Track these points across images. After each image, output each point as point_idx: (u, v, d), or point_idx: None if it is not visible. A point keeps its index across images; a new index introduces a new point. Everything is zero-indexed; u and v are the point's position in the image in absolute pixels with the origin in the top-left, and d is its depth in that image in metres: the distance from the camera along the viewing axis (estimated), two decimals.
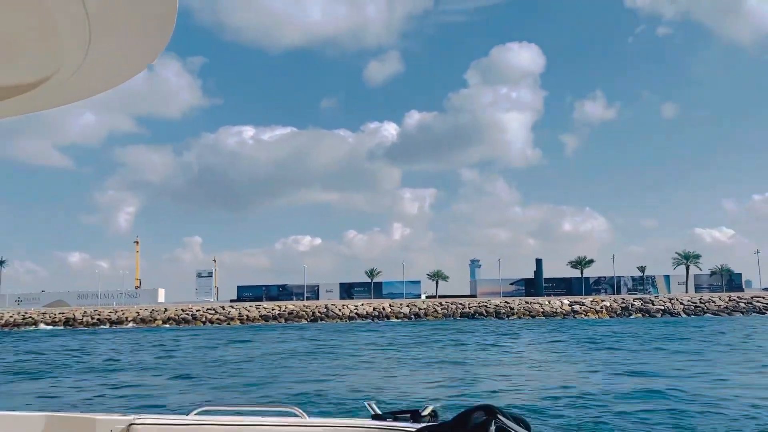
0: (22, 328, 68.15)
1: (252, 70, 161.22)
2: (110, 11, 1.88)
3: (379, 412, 2.91)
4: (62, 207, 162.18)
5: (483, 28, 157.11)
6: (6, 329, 67.63)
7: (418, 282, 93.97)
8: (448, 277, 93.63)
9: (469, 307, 66.79)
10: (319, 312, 68.33)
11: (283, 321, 67.31)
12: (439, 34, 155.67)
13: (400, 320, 65.43)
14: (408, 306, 68.84)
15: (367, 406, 2.99)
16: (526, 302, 67.88)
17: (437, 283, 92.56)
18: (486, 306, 66.75)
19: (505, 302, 68.01)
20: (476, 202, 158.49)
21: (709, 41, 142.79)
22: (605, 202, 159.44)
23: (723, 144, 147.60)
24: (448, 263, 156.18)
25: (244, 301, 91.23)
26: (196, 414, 2.89)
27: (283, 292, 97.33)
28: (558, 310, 65.19)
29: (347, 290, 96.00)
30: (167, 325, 66.89)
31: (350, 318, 67.06)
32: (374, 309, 68.29)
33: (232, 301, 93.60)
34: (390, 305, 69.59)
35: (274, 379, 18.31)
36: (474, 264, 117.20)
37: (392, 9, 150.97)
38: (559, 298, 71.41)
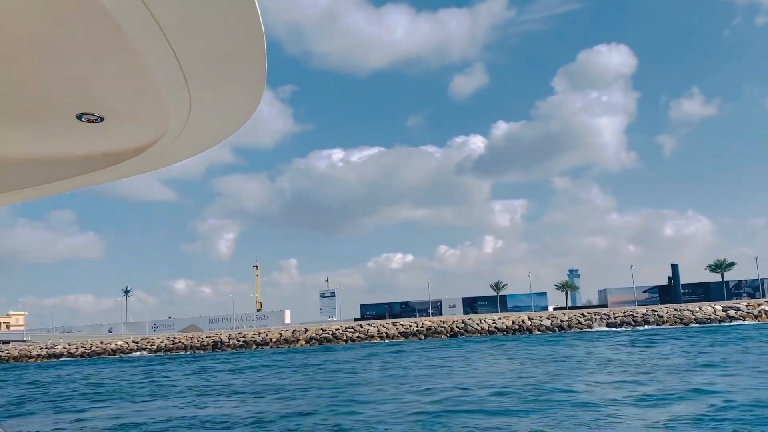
0: (173, 353, 71.43)
1: (339, 94, 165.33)
2: (206, 76, 2.03)
3: None
4: (166, 237, 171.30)
5: (568, 33, 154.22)
6: (160, 354, 71.08)
7: (545, 294, 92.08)
8: (578, 288, 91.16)
9: (614, 317, 64.53)
10: (456, 327, 67.89)
11: (422, 337, 67.27)
12: (523, 42, 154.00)
13: (542, 333, 64.01)
14: (549, 318, 67.30)
15: None
16: (675, 309, 64.89)
17: (567, 294, 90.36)
18: (633, 315, 64.28)
19: (653, 310, 65.28)
20: (570, 211, 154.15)
21: None
22: (709, 203, 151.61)
23: None
24: (544, 274, 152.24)
25: (368, 319, 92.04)
26: None
27: (405, 309, 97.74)
28: (711, 316, 61.90)
29: (470, 304, 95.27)
30: (309, 345, 68.31)
31: (490, 332, 66.23)
32: (513, 323, 67.15)
33: (356, 319, 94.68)
34: (529, 318, 68.26)
35: None
36: (573, 274, 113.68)
37: (475, 22, 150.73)
38: (710, 303, 67.81)
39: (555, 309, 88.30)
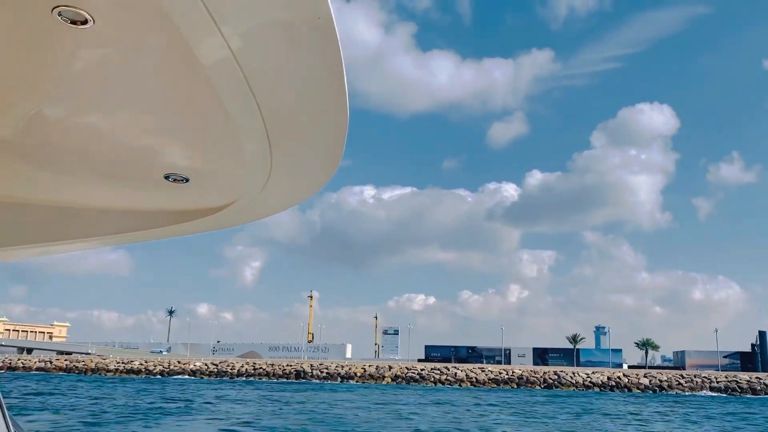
0: (251, 378, 70.39)
1: (378, 133, 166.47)
2: (288, 145, 2.11)
3: None
4: (194, 261, 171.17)
5: (610, 90, 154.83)
6: (240, 378, 70.11)
7: (620, 351, 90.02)
8: (658, 347, 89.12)
9: (717, 381, 62.66)
10: (549, 378, 66.32)
11: (515, 386, 65.75)
12: (565, 96, 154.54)
13: (641, 391, 62.21)
14: (646, 377, 65.53)
15: None
16: None
17: (646, 352, 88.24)
18: (737, 381, 62.39)
19: (757, 377, 63.32)
20: (599, 266, 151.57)
21: None
22: (741, 270, 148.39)
23: None
24: (568, 329, 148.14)
25: (432, 360, 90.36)
26: None
27: (472, 354, 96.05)
28: None
29: (541, 356, 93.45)
30: (395, 383, 66.98)
31: (585, 386, 64.52)
32: (609, 378, 65.47)
33: (420, 360, 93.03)
34: (625, 374, 66.56)
35: None
36: (599, 331, 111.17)
37: (519, 72, 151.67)
38: None
39: (629, 367, 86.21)
